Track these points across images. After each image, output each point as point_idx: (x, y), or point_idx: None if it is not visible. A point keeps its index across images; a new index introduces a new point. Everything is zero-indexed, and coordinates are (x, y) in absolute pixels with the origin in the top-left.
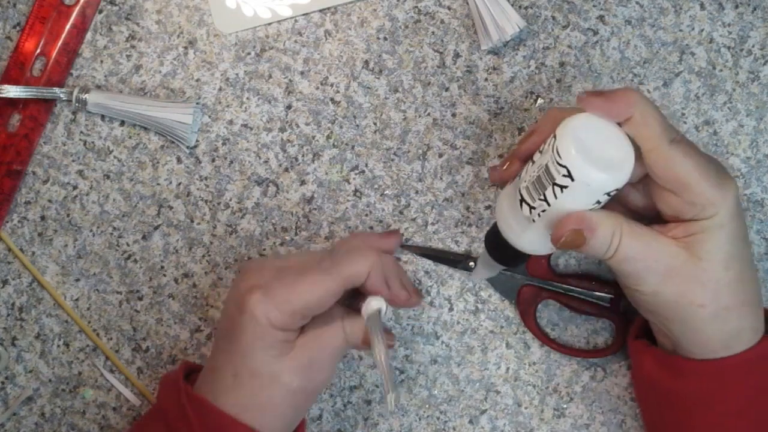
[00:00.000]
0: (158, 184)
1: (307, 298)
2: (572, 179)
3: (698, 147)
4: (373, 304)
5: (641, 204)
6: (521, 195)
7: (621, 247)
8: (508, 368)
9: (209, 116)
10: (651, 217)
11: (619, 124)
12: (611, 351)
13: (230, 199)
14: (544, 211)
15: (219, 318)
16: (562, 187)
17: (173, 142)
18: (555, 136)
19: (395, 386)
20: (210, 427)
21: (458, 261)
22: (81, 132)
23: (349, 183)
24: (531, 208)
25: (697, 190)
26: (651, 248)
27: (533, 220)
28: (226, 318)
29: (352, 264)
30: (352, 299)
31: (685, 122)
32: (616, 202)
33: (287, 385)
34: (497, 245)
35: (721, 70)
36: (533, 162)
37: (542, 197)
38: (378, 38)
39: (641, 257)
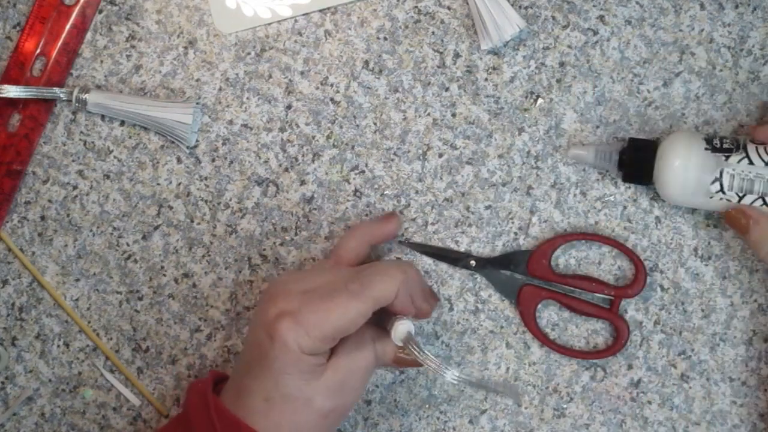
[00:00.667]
0: (158, 184)
1: (338, 323)
2: None
3: None
4: (401, 328)
5: None
6: (720, 176)
7: None
8: (508, 368)
9: (209, 116)
10: None
11: None
12: (611, 352)
13: (230, 199)
14: (728, 201)
15: (246, 340)
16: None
17: (173, 142)
18: None
19: (479, 383)
20: None
21: (459, 259)
22: (81, 132)
23: (349, 183)
24: (721, 191)
25: None
26: None
27: (709, 197)
28: (255, 343)
29: (382, 286)
30: (378, 316)
31: (685, 122)
32: None
33: (320, 409)
34: (638, 164)
35: (721, 70)
36: (749, 159)
37: (740, 195)
38: (378, 38)
39: None
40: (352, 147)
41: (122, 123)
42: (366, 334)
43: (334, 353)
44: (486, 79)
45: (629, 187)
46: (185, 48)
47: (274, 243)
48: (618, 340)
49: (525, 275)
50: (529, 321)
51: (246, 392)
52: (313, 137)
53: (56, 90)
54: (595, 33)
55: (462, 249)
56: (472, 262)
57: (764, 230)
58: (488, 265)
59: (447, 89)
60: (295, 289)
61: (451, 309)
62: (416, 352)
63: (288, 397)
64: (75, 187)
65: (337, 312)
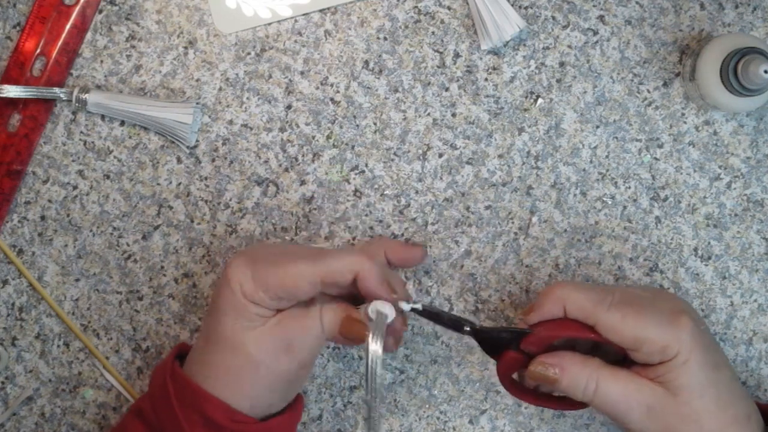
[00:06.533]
0: (158, 184)
1: (282, 277)
2: None
3: (639, 297)
4: (378, 306)
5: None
6: None
7: (599, 391)
8: None
9: (209, 116)
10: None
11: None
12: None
13: (230, 199)
14: None
15: None
16: None
17: (173, 142)
18: None
19: (378, 395)
20: (185, 396)
21: (457, 324)
22: (81, 132)
23: (349, 183)
24: None
25: (649, 340)
26: (629, 389)
27: None
28: (215, 286)
29: (337, 259)
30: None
31: (685, 122)
32: (600, 351)
33: (249, 357)
34: None
35: None
36: None
37: None
38: (378, 38)
39: (621, 399)
40: (352, 147)
41: (122, 123)
42: (315, 302)
43: (280, 313)
44: (486, 79)
45: (629, 187)
46: (185, 48)
47: (275, 243)
48: None
49: (516, 349)
50: (504, 380)
51: (198, 337)
52: (313, 137)
53: (56, 90)
54: (595, 33)
55: (460, 317)
56: (467, 328)
57: (572, 375)
58: (483, 334)
59: (447, 89)
60: (271, 246)
61: (451, 309)
62: (373, 331)
63: (223, 338)
64: (75, 187)
65: (284, 266)
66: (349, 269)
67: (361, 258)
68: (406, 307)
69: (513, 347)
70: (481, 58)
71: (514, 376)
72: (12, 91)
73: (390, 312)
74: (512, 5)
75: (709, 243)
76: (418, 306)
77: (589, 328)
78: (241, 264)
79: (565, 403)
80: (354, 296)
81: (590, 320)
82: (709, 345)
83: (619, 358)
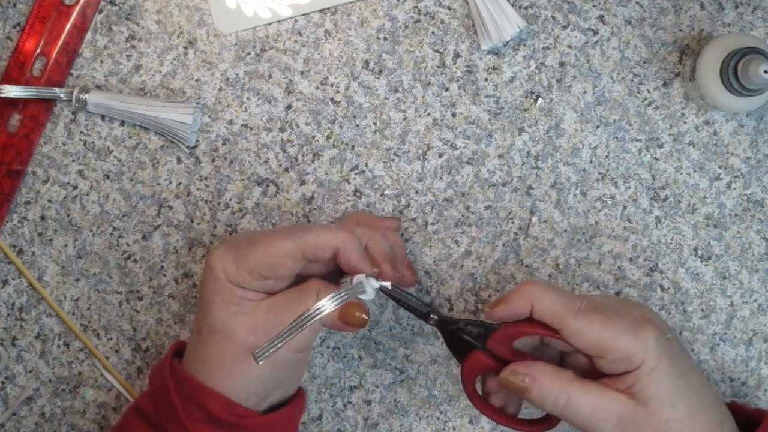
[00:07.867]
0: (158, 184)
1: (263, 256)
2: None
3: (606, 306)
4: (362, 280)
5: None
6: None
7: (570, 404)
8: None
9: (209, 116)
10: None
11: (532, 315)
12: (552, 424)
13: (230, 199)
14: None
15: None
16: None
17: (173, 142)
18: None
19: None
20: (184, 392)
21: (422, 313)
22: (81, 132)
23: (349, 183)
24: None
25: (614, 348)
26: (601, 402)
27: None
28: (200, 280)
29: (317, 234)
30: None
31: (685, 122)
32: (568, 363)
33: (242, 344)
34: None
35: None
36: None
37: None
38: (378, 38)
39: (593, 411)
40: (352, 147)
41: (122, 123)
42: (311, 285)
43: (273, 296)
44: (486, 79)
45: (629, 187)
46: (185, 48)
47: None
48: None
49: (482, 347)
50: (467, 384)
51: (191, 329)
52: (313, 137)
53: (56, 90)
54: (595, 33)
55: (427, 303)
56: (434, 316)
57: (543, 385)
58: (449, 325)
59: (447, 89)
60: (253, 231)
61: (451, 309)
62: (338, 293)
63: (213, 328)
64: (75, 187)
65: (264, 244)
66: (330, 245)
67: (341, 234)
68: (375, 284)
69: (479, 345)
70: (481, 58)
71: (479, 390)
72: (12, 91)
73: (371, 288)
74: (512, 5)
75: (709, 243)
76: (387, 284)
77: (555, 331)
78: (222, 250)
79: (527, 424)
80: (334, 272)
81: (556, 323)
82: (677, 353)
83: (586, 369)
